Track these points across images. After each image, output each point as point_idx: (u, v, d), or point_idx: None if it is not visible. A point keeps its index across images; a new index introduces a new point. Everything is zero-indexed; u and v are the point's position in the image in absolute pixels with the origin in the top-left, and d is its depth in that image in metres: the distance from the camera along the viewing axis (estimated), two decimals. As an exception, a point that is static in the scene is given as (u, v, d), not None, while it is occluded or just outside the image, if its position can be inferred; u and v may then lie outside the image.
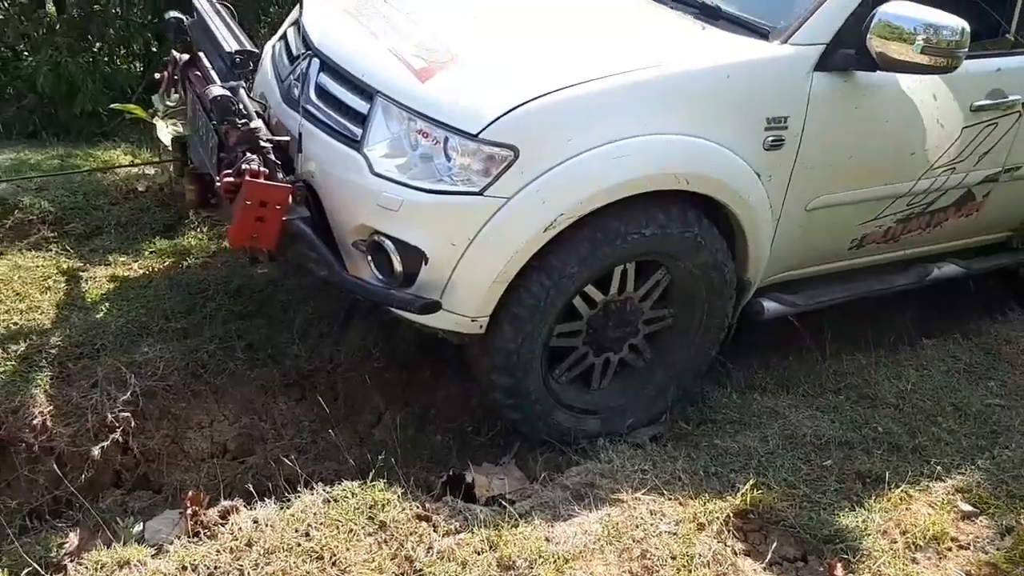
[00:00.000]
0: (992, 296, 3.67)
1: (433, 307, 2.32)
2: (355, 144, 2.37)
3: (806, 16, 2.51)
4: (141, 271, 3.15)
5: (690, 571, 2.03)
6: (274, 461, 2.48)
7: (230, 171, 2.30)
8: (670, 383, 2.78)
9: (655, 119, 2.35)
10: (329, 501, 2.05)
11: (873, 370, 3.00)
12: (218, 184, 2.30)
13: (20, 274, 3.00)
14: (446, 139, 2.25)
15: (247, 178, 2.22)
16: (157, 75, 3.10)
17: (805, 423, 2.64)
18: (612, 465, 2.40)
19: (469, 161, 2.24)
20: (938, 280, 3.29)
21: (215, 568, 1.82)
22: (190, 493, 2.19)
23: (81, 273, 3.09)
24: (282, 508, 2.03)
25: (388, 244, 2.32)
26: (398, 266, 2.33)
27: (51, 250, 3.24)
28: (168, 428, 2.57)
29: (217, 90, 2.41)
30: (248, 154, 2.31)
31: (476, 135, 2.22)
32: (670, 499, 2.27)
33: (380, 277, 2.39)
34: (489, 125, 2.22)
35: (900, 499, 2.33)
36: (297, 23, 2.82)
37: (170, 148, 3.20)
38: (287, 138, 2.53)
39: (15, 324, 2.73)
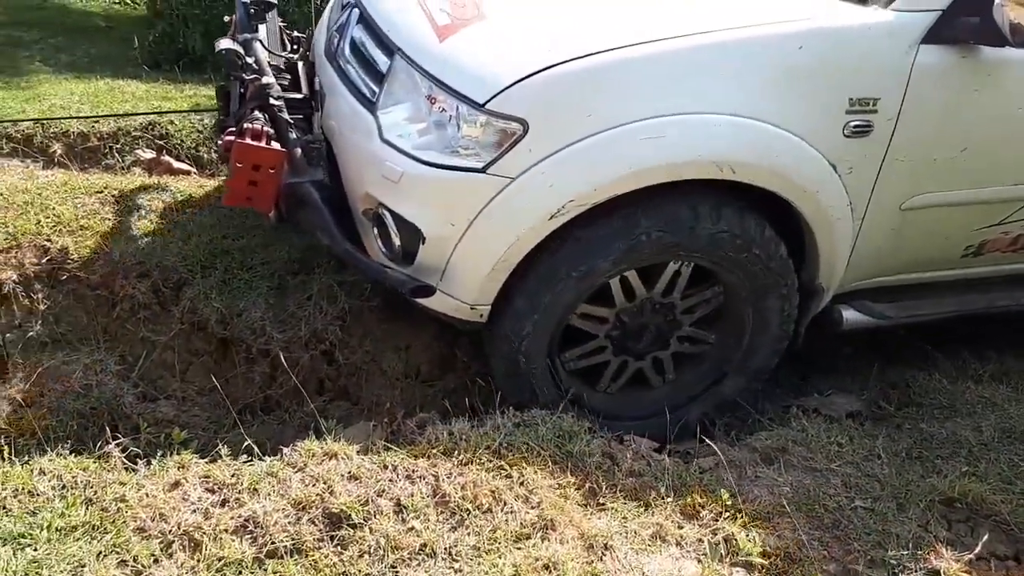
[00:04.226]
0: None
1: (425, 291, 2.14)
2: (370, 105, 2.18)
3: None
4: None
5: (886, 548, 1.91)
6: (464, 385, 2.57)
7: (233, 129, 2.19)
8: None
9: (696, 95, 2.00)
10: (520, 425, 2.10)
11: (1112, 374, 2.69)
12: (219, 142, 2.20)
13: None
14: (456, 107, 2.01)
15: (236, 140, 2.12)
16: (226, 19, 3.01)
17: (1027, 418, 2.41)
18: (806, 434, 2.30)
19: (477, 133, 2.00)
20: None
21: (412, 471, 1.91)
22: (388, 406, 2.32)
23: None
24: (474, 426, 2.10)
25: (388, 218, 2.14)
26: (396, 242, 2.16)
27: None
28: (369, 346, 2.72)
29: (225, 43, 2.30)
30: (255, 111, 2.21)
31: (483, 105, 1.97)
32: (868, 475, 2.14)
33: (385, 251, 2.21)
34: (497, 95, 1.96)
35: None
36: None
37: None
38: (300, 95, 2.40)
39: (242, 238, 2.97)
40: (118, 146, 3.57)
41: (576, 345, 2.40)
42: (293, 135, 2.28)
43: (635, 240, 2.12)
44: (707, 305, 2.40)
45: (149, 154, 3.52)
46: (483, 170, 2.01)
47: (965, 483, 2.10)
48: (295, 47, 2.83)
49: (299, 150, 2.27)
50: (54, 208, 2.90)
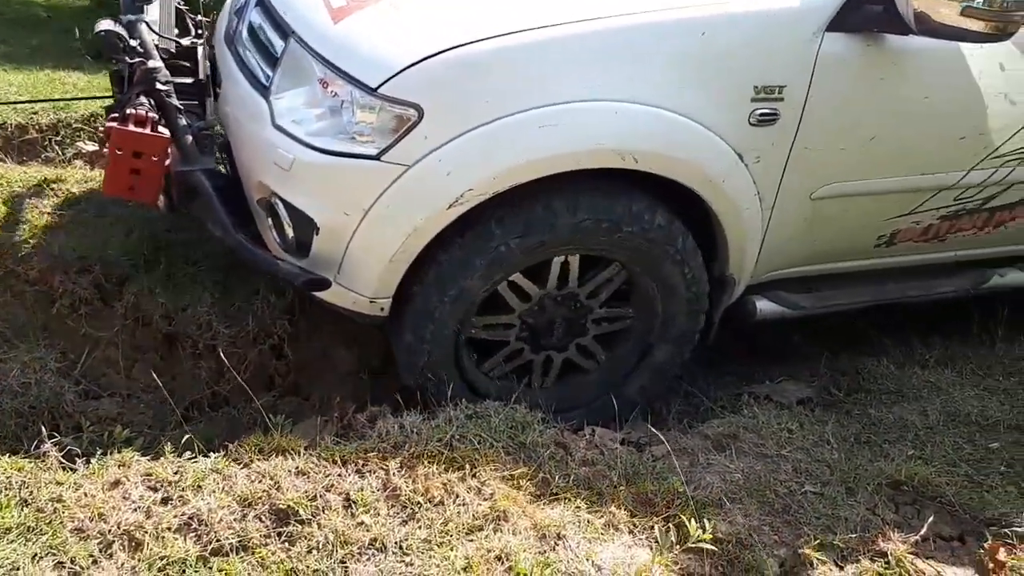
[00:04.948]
0: None
1: (319, 284, 2.07)
2: (264, 90, 2.11)
3: None
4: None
5: (835, 532, 1.93)
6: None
7: (115, 115, 2.09)
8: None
9: (597, 82, 1.95)
10: (472, 417, 2.08)
11: (1054, 358, 2.77)
12: (102, 129, 2.12)
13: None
14: (350, 92, 1.94)
15: (114, 125, 2.02)
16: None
17: (971, 402, 2.47)
18: (757, 421, 2.32)
19: (371, 119, 1.93)
20: (998, 289, 2.78)
21: (362, 466, 1.88)
22: (337, 399, 2.28)
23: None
24: (426, 419, 2.07)
25: (281, 207, 2.07)
26: (290, 233, 2.08)
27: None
28: (319, 340, 2.68)
29: (104, 24, 2.18)
30: (140, 97, 2.11)
31: (375, 90, 1.90)
32: (818, 460, 2.17)
33: (279, 242, 2.14)
34: (390, 79, 1.89)
35: (1077, 491, 2.14)
36: None
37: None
38: (190, 80, 2.34)
39: (186, 231, 2.89)
40: (58, 138, 3.45)
41: (495, 353, 2.37)
42: (183, 121, 2.18)
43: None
44: (611, 284, 2.34)
45: (91, 147, 3.41)
46: (377, 157, 1.94)
47: (911, 466, 2.14)
48: (199, 31, 2.73)
49: (190, 137, 2.17)
50: (-11, 202, 2.81)
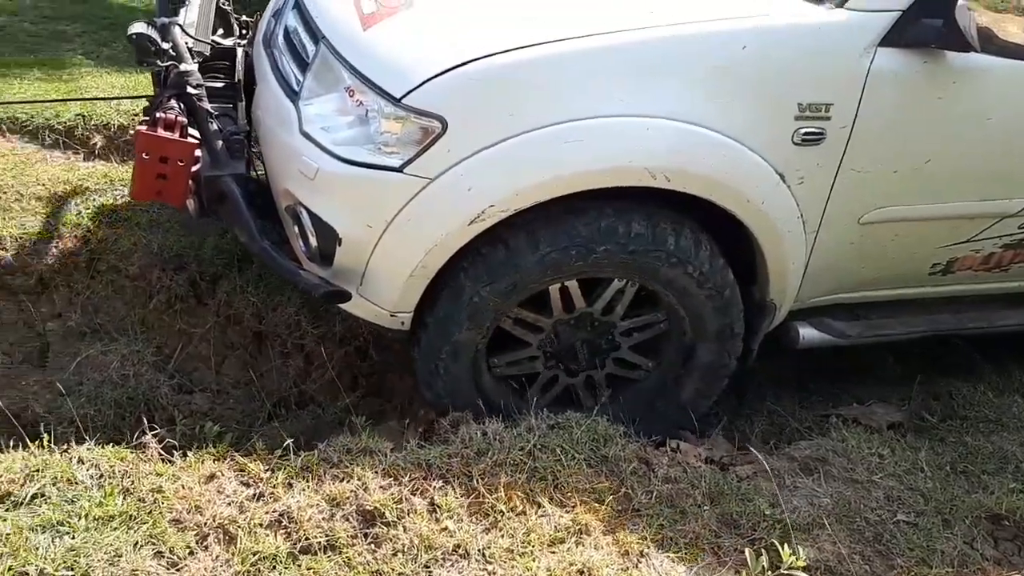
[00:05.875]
0: None
1: (339, 297, 2.03)
2: (294, 96, 2.07)
3: None
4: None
5: (930, 566, 1.86)
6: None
7: (147, 118, 2.08)
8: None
9: (628, 96, 1.87)
10: (554, 427, 2.08)
11: None
12: (132, 132, 2.07)
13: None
14: (375, 101, 1.91)
15: (142, 129, 2.01)
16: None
17: (1077, 435, 2.34)
18: (846, 444, 2.25)
19: (395, 130, 1.88)
20: None
21: (447, 471, 1.90)
22: (422, 412, 2.31)
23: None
24: (508, 427, 2.07)
25: (305, 216, 2.03)
26: (314, 242, 2.04)
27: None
28: (402, 344, 2.71)
29: (137, 27, 2.17)
30: (171, 100, 2.10)
31: (399, 99, 1.86)
32: (911, 489, 2.09)
33: (304, 251, 2.09)
34: (414, 89, 1.85)
35: None
36: None
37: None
38: (222, 83, 2.32)
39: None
40: (158, 139, 3.59)
41: (530, 383, 2.31)
42: (215, 126, 2.17)
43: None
44: (623, 297, 2.21)
45: (188, 147, 3.54)
46: (400, 169, 1.90)
47: (1013, 500, 2.05)
48: (243, 32, 2.73)
49: (220, 141, 2.16)
50: (94, 199, 2.94)
